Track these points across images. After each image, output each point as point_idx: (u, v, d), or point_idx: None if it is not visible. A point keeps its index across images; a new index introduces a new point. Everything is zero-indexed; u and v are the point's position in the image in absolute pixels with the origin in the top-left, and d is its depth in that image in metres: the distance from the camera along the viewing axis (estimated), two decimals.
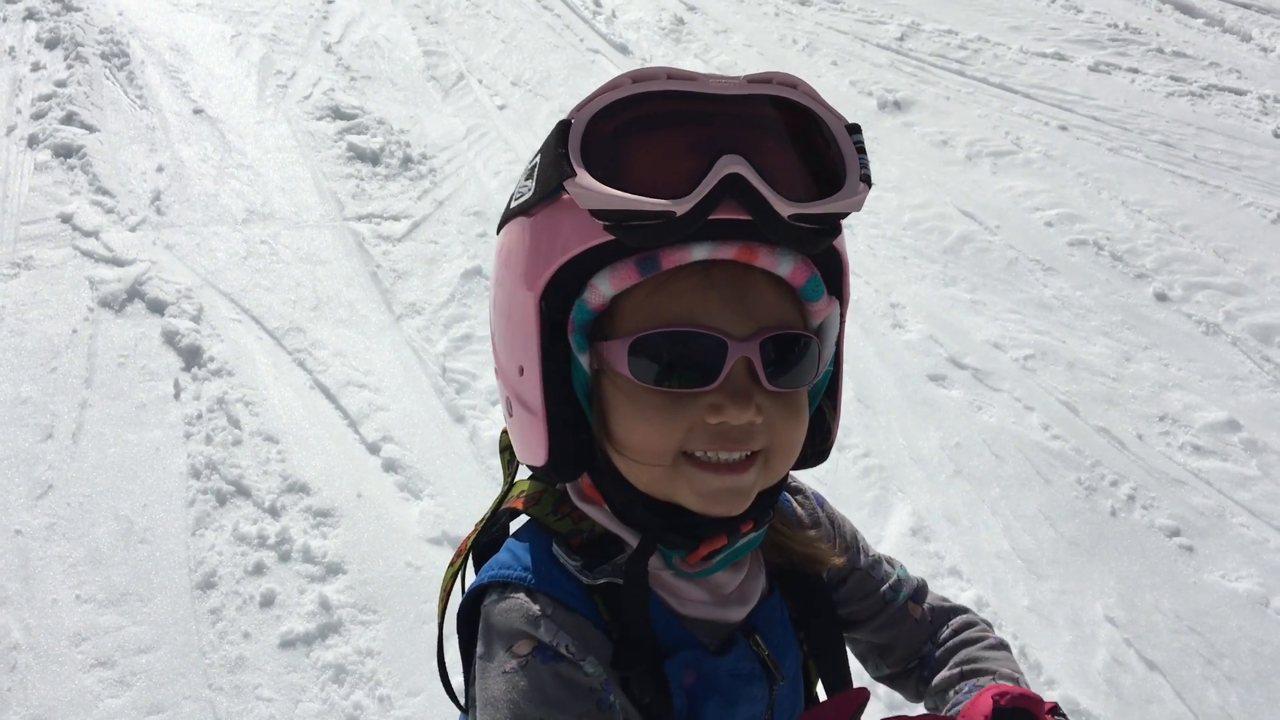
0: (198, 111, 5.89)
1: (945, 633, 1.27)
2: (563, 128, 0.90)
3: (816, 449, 1.11)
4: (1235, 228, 5.47)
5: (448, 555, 3.27)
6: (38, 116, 5.59)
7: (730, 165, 0.88)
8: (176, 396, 3.87)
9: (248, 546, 3.28)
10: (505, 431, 1.16)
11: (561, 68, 6.94)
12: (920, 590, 1.31)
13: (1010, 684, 1.11)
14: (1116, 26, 7.92)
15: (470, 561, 1.22)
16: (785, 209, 0.89)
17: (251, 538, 3.30)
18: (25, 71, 6.04)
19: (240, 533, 3.32)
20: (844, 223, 0.96)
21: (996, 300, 4.80)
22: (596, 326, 0.98)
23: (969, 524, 3.58)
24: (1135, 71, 7.25)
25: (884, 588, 1.28)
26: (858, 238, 5.16)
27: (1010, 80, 7.09)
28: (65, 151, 5.33)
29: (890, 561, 1.32)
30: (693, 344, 0.93)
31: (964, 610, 1.31)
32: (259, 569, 3.21)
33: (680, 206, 0.87)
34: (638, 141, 0.90)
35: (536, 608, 1.01)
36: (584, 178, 0.87)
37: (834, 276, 1.02)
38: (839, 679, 1.19)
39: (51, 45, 6.32)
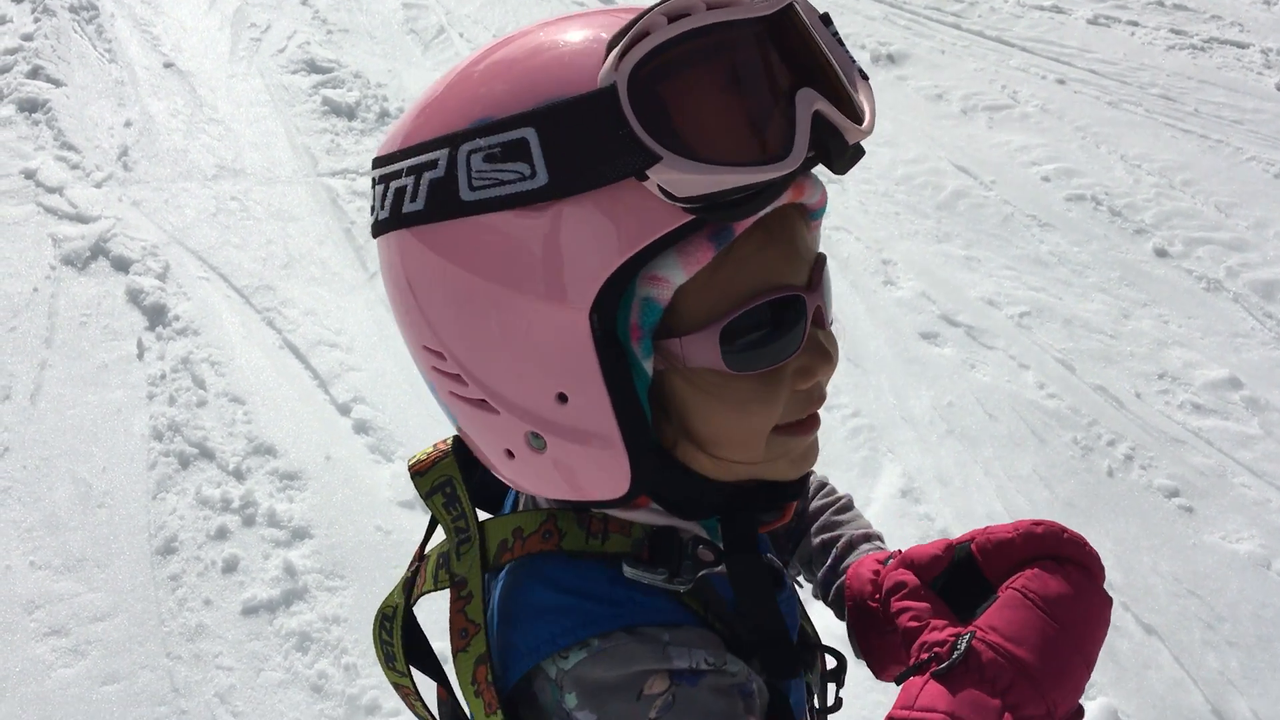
0: (168, 65, 5.72)
1: (809, 504, 1.25)
2: (605, 96, 0.70)
3: None
4: (1237, 182, 5.33)
5: (419, 519, 3.14)
6: (2, 71, 5.44)
7: (811, 102, 0.73)
8: (140, 356, 3.73)
9: (210, 510, 3.15)
10: (420, 470, 1.00)
11: None
12: None
13: (875, 549, 1.13)
14: None
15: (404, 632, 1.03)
16: (853, 137, 0.76)
17: (214, 501, 3.17)
18: None
19: (203, 496, 3.19)
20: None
21: (991, 256, 4.66)
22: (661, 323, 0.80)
23: (961, 485, 3.46)
24: (1135, 24, 7.08)
25: None
26: (849, 193, 5.01)
27: (1007, 33, 6.91)
28: (30, 106, 5.18)
29: None
30: (779, 312, 0.81)
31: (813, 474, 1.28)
32: (222, 533, 3.08)
33: (787, 167, 0.72)
34: (696, 92, 0.72)
35: (652, 640, 0.88)
36: (673, 159, 0.69)
37: None
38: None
39: None
